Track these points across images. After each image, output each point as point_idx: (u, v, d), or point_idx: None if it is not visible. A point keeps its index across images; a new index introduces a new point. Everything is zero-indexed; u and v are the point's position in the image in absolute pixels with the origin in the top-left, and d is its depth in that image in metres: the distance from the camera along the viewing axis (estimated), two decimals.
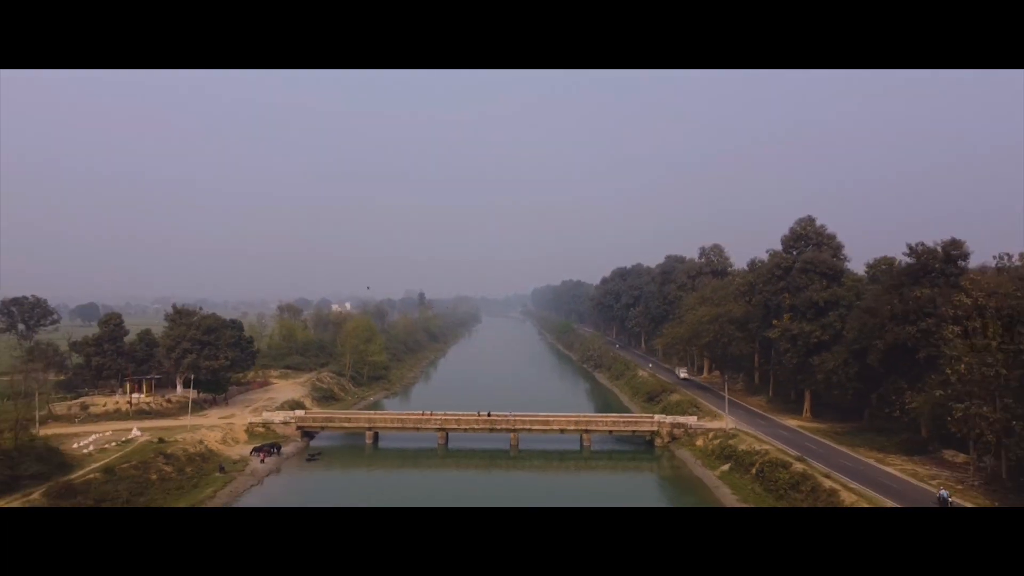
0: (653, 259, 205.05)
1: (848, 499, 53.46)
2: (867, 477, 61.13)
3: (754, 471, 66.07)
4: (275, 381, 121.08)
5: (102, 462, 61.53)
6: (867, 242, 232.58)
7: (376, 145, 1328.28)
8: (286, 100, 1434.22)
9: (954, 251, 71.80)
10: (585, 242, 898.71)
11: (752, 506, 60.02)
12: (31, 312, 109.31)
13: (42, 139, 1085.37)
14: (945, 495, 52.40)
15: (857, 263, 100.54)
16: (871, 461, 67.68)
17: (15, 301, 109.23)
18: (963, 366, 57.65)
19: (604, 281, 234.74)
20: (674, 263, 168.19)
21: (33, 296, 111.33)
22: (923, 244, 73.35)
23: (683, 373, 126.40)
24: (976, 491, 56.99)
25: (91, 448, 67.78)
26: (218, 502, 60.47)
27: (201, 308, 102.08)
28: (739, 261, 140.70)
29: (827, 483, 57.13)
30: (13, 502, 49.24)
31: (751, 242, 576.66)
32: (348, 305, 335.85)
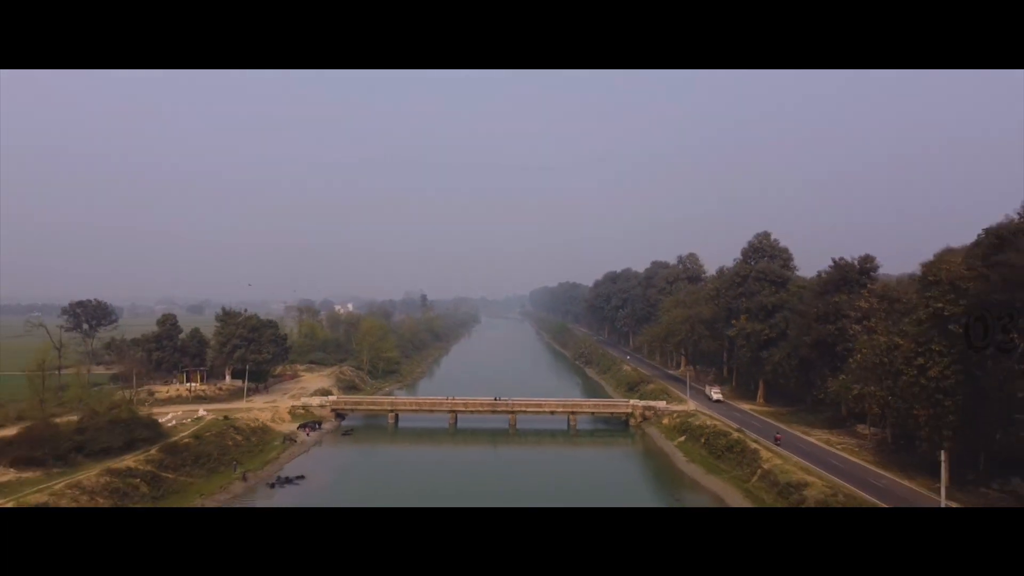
0: (649, 257, 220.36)
1: (765, 455, 70.48)
2: (790, 443, 77.98)
3: (703, 440, 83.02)
4: (303, 374, 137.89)
5: (188, 431, 78.34)
6: (864, 232, 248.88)
7: (375, 144, 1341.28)
8: (284, 100, 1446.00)
9: (867, 264, 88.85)
10: (582, 242, 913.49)
11: (699, 466, 77.08)
12: (93, 313, 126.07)
13: (41, 137, 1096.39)
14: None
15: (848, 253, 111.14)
16: (798, 433, 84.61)
17: (80, 304, 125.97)
18: (860, 356, 74.62)
19: (596, 284, 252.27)
20: (658, 268, 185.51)
21: (95, 299, 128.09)
22: (843, 258, 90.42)
23: (716, 394, 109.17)
24: (868, 452, 74.03)
25: (173, 422, 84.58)
26: (282, 461, 77.69)
27: (246, 310, 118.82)
28: (732, 251, 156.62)
29: (753, 445, 74.20)
30: (140, 455, 66.06)
31: (742, 233, 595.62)
32: (351, 306, 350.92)
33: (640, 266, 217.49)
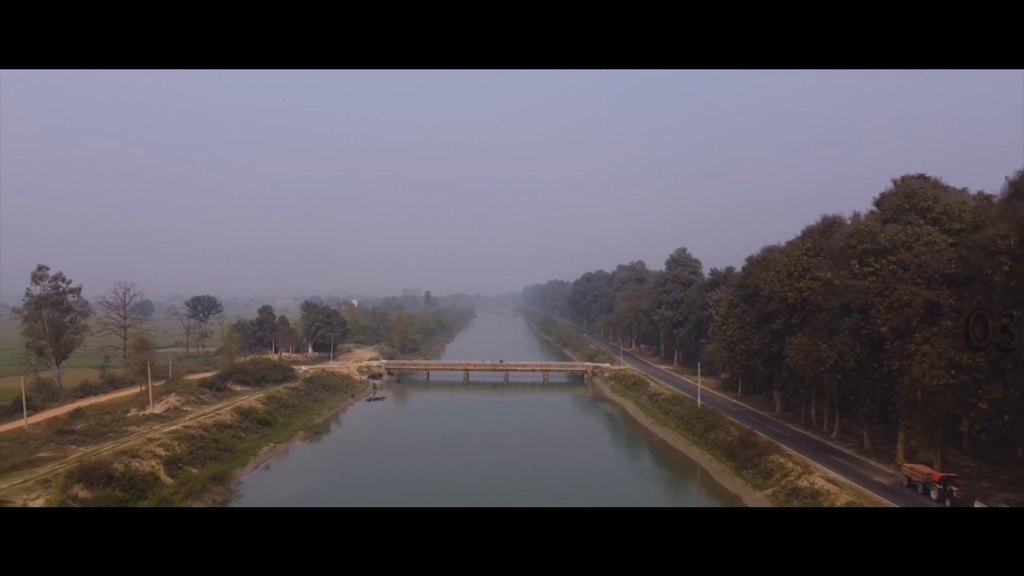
0: (648, 256, 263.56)
1: (653, 385, 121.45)
2: (676, 383, 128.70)
3: (623, 383, 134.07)
4: (353, 349, 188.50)
5: (309, 375, 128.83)
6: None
7: (375, 145, 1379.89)
8: (283, 100, 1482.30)
9: (731, 272, 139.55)
10: (581, 241, 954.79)
11: (617, 394, 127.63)
12: (206, 306, 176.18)
13: (41, 140, 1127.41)
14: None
15: None
16: (684, 378, 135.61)
17: (197, 299, 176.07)
18: (713, 328, 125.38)
19: (576, 283, 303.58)
20: (621, 271, 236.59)
21: (207, 295, 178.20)
22: (716, 269, 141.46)
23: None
24: (716, 384, 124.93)
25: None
26: (366, 393, 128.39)
27: (322, 301, 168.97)
28: (730, 251, 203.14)
29: (648, 381, 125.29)
30: (294, 384, 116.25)
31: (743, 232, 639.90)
32: (355, 302, 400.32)
33: (607, 271, 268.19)
